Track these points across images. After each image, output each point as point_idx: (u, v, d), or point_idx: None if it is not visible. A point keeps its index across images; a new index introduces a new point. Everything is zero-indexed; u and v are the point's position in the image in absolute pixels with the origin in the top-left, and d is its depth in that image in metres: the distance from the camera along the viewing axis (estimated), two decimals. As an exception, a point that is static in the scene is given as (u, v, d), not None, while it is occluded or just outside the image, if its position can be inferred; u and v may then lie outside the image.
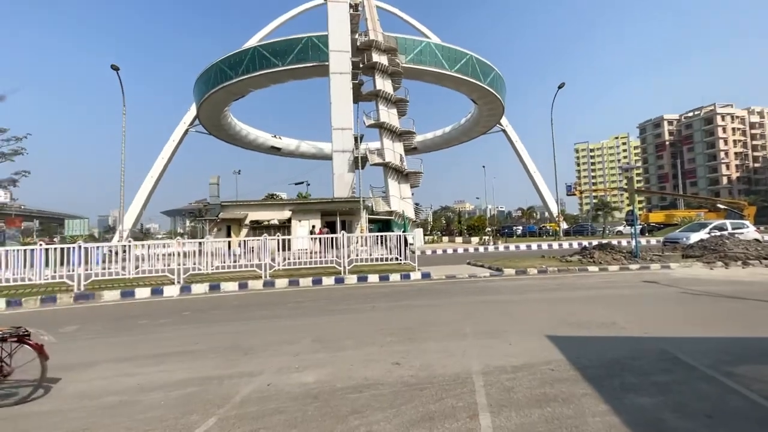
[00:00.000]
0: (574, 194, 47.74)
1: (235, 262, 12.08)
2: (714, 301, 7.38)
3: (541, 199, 63.88)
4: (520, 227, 44.51)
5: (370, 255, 14.15)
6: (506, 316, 6.69)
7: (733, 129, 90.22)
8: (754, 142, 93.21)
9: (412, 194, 38.39)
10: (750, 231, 17.11)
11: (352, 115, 34.17)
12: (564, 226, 43.37)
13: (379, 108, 36.92)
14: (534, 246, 26.52)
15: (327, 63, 34.03)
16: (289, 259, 12.57)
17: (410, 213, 33.37)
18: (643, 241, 26.61)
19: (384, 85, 36.86)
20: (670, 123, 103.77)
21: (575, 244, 26.10)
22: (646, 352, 4.62)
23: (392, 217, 31.23)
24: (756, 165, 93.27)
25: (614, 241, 25.72)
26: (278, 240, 12.42)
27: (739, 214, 33.83)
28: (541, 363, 4.39)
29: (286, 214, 25.85)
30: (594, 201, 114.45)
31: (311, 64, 38.40)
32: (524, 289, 9.43)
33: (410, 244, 30.48)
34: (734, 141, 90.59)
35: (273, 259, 12.12)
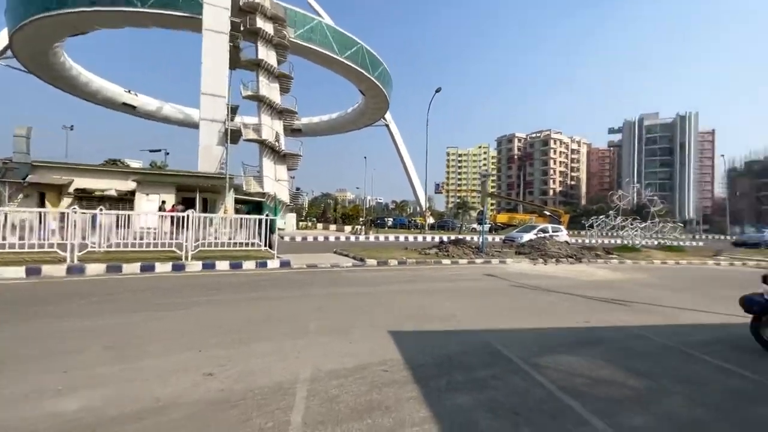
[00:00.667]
0: (441, 192, 52.64)
1: (43, 240, 9.20)
2: (535, 294, 8.48)
3: (414, 194, 68.77)
4: (391, 219, 46.68)
5: (231, 239, 12.61)
6: (357, 310, 6.42)
7: (560, 152, 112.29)
8: (572, 165, 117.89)
9: (293, 178, 36.60)
10: (563, 234, 21.05)
11: (226, 81, 30.48)
12: (431, 220, 47.40)
13: (259, 79, 33.90)
14: (401, 237, 27.96)
15: (200, 17, 29.47)
16: (126, 239, 10.20)
17: (284, 196, 31.72)
18: (490, 238, 30.65)
19: (267, 55, 33.95)
20: (520, 140, 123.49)
21: (437, 238, 28.52)
22: (474, 346, 4.80)
23: (264, 200, 29.11)
24: (572, 183, 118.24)
25: (468, 237, 28.95)
26: (115, 216, 9.93)
27: (558, 220, 42.09)
28: (377, 363, 4.13)
29: (129, 184, 21.46)
30: (457, 200, 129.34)
31: (180, 14, 32.80)
32: (381, 281, 9.46)
33: (281, 229, 28.98)
34: (560, 162, 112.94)
35: (99, 239, 9.63)
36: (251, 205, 32.11)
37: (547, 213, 45.83)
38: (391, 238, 27.54)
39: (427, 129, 33.78)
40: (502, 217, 47.20)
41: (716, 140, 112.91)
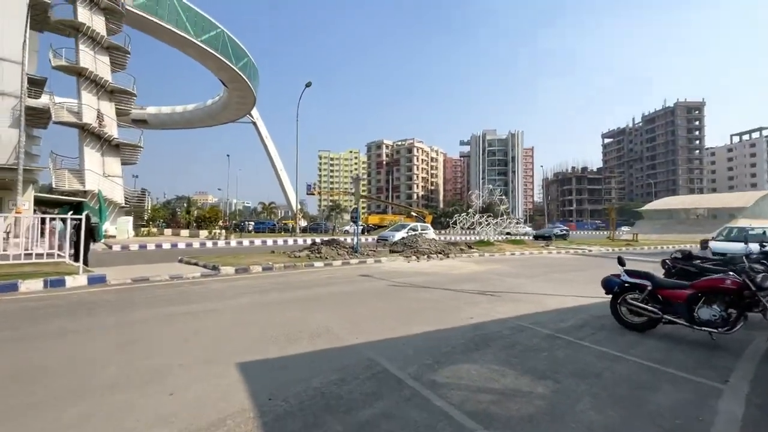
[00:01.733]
0: (313, 194, 51.00)
1: None
2: (415, 293, 7.89)
3: (285, 196, 65.39)
4: (252, 222, 42.87)
5: (27, 250, 8.95)
6: (193, 337, 4.59)
7: (422, 159, 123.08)
8: (432, 171, 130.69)
9: (136, 177, 30.10)
10: (431, 232, 22.11)
11: (24, 41, 22.89)
12: (303, 223, 45.39)
13: (80, 48, 26.77)
14: (270, 242, 25.54)
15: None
16: None
17: (117, 196, 25.63)
18: (364, 239, 30.62)
19: (92, 20, 27.08)
20: (387, 147, 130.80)
21: (309, 241, 26.95)
22: (354, 369, 3.65)
23: (86, 200, 22.83)
24: (431, 188, 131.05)
25: (341, 238, 28.25)
26: None
27: (423, 220, 45.26)
28: (207, 426, 2.56)
29: None
30: (330, 203, 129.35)
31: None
32: (237, 293, 7.61)
33: (110, 236, 23.19)
34: (422, 168, 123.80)
35: None
36: (67, 207, 24.87)
37: (414, 214, 48.88)
38: (258, 242, 24.84)
39: (297, 125, 31.88)
40: (374, 219, 48.54)
41: (535, 155, 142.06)
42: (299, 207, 38.29)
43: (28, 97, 25.48)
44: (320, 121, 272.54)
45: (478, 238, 21.84)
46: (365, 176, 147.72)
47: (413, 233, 20.79)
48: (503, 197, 23.32)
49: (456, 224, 20.76)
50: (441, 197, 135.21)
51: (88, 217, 11.46)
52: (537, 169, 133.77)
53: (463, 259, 15.39)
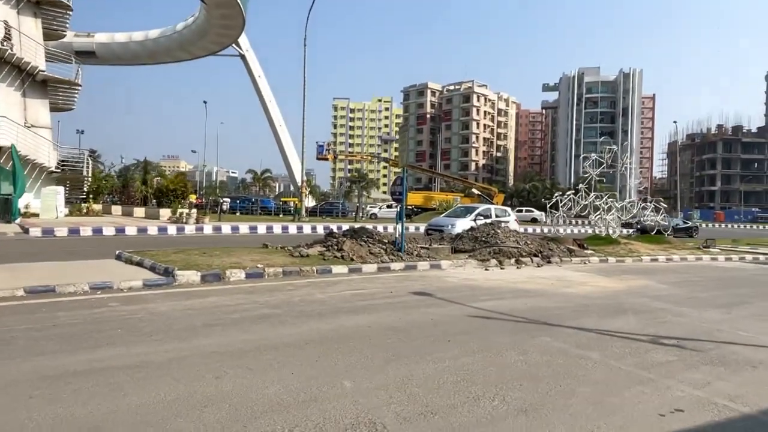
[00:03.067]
0: (326, 158, 49.60)
1: None
2: (520, 335, 5.98)
3: (285, 163, 64.48)
4: (227, 200, 41.86)
5: None
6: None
7: (485, 112, 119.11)
8: (499, 130, 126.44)
9: (81, 132, 29.55)
10: (511, 220, 19.98)
11: None
12: (310, 203, 44.15)
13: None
14: (262, 228, 24.31)
15: None
16: None
17: (43, 155, 25.11)
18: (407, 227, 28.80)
19: None
20: (434, 93, 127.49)
21: (320, 229, 25.55)
22: None
23: (-1, 160, 22.29)
24: (498, 154, 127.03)
25: (370, 226, 26.57)
26: None
27: (490, 201, 42.93)
28: None
29: None
30: (349, 173, 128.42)
31: None
32: (197, 324, 5.95)
33: (30, 214, 22.55)
34: (485, 125, 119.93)
35: None
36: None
37: (477, 192, 46.68)
38: (244, 229, 23.64)
39: (305, 49, 30.02)
40: (415, 197, 46.46)
41: (656, 107, 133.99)
42: (305, 179, 36.94)
43: None
44: (337, 62, 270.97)
45: (581, 230, 19.51)
46: (398, 135, 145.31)
47: (484, 221, 18.83)
48: (632, 166, 20.67)
49: (556, 208, 18.45)
50: (511, 168, 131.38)
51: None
52: (661, 127, 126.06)
53: (576, 267, 13.43)
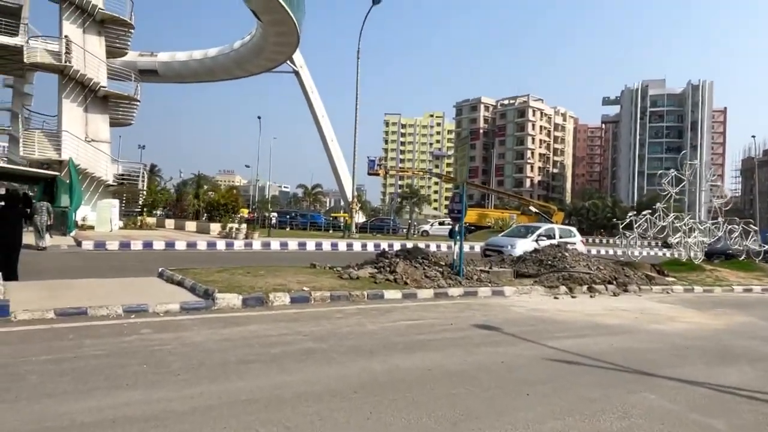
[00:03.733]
0: (377, 173, 49.19)
1: None
2: (614, 389, 4.95)
3: (336, 179, 64.78)
4: (275, 214, 42.02)
5: None
6: None
7: (541, 127, 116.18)
8: (555, 146, 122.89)
9: (143, 147, 30.45)
10: (578, 241, 18.60)
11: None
12: (360, 219, 43.80)
13: (59, -40, 27.39)
14: (311, 245, 23.89)
15: None
16: None
17: (101, 169, 25.87)
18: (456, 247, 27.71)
19: None
20: (487, 108, 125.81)
21: (371, 246, 24.89)
22: None
23: (60, 174, 23.01)
24: (554, 171, 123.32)
25: (422, 244, 25.70)
26: None
27: (548, 220, 41.10)
28: None
29: None
30: (400, 189, 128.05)
31: None
32: (232, 360, 5.24)
33: (86, 226, 23.09)
34: (540, 140, 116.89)
35: None
36: (41, 183, 25.55)
37: (534, 210, 44.90)
38: (293, 245, 23.35)
39: (358, 63, 29.88)
40: (470, 215, 45.15)
41: (727, 120, 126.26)
42: (356, 194, 36.60)
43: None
44: (388, 77, 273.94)
45: (650, 252, 17.78)
46: (451, 152, 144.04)
47: (547, 242, 17.59)
48: (717, 183, 18.86)
49: (630, 228, 16.91)
50: (568, 185, 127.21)
51: (22, 199, 10.13)
52: (732, 142, 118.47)
53: (658, 297, 12.08)
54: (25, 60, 25.89)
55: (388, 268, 11.13)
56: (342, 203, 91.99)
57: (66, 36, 26.05)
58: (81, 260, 14.87)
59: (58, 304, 7.02)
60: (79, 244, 18.21)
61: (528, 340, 6.88)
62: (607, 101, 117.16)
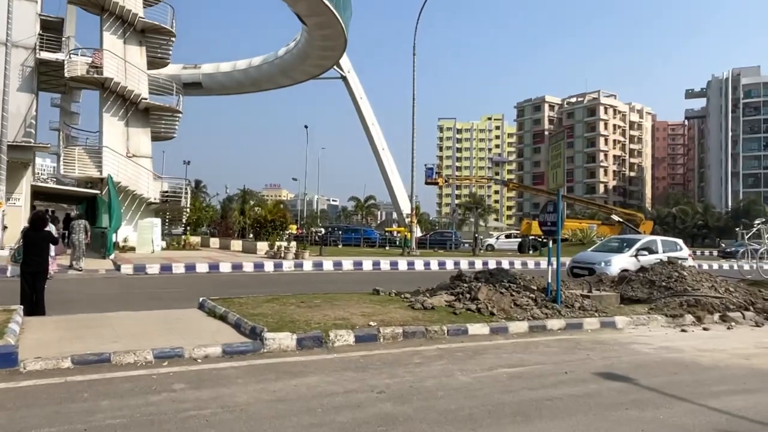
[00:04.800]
0: (436, 182, 47.89)
1: None
2: None
3: (389, 190, 63.96)
4: (322, 229, 41.68)
5: None
6: None
7: (614, 126, 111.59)
8: (631, 146, 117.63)
9: (188, 163, 30.79)
10: (687, 255, 16.81)
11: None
12: (417, 233, 42.62)
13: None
14: (368, 264, 22.97)
15: None
16: None
17: (143, 186, 25.96)
18: (530, 263, 26.01)
19: None
20: (552, 107, 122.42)
21: (434, 265, 23.67)
22: None
23: (100, 193, 23.22)
24: (631, 174, 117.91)
25: (491, 261, 24.35)
26: None
27: (635, 230, 38.46)
28: None
29: None
30: (457, 199, 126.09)
31: None
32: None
33: (127, 248, 23.08)
34: (614, 141, 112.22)
35: None
36: (84, 203, 26.09)
37: (617, 219, 42.23)
38: (348, 265, 22.41)
39: (414, 60, 28.93)
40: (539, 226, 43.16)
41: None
42: (416, 205, 35.51)
43: (40, 48, 27.42)
44: (441, 80, 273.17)
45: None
46: (513, 157, 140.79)
47: (649, 257, 16.06)
48: None
49: (759, 237, 14.86)
50: (648, 190, 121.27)
51: (46, 220, 9.58)
52: None
53: None
54: (66, 74, 26.50)
55: (467, 295, 9.87)
56: (395, 216, 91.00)
57: (105, 49, 26.53)
58: (117, 287, 14.66)
59: (78, 349, 6.21)
60: (117, 267, 18.07)
61: (680, 399, 5.40)
62: (690, 94, 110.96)
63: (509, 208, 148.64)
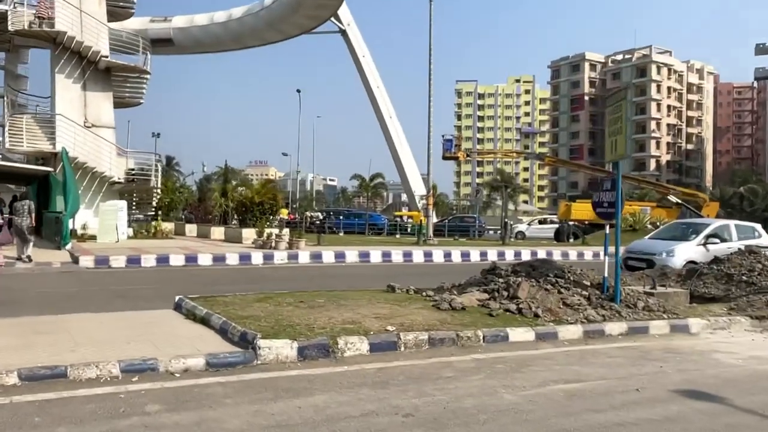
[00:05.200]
0: (455, 157, 47.63)
1: None
2: None
3: (398, 166, 63.53)
4: (320, 213, 41.79)
5: None
6: None
7: (669, 89, 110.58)
8: (689, 113, 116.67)
9: (157, 135, 30.43)
10: (766, 243, 16.56)
11: None
12: (434, 218, 42.49)
13: None
14: (376, 256, 22.74)
15: None
16: None
17: (105, 163, 25.84)
18: (571, 254, 25.71)
19: None
20: (593, 67, 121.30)
21: (456, 256, 23.44)
22: None
23: (53, 170, 23.04)
24: (688, 147, 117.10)
25: (525, 251, 24.14)
26: None
27: (696, 213, 38.06)
28: None
29: None
30: (479, 178, 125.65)
31: None
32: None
33: (87, 237, 22.97)
34: (668, 107, 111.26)
35: None
36: (33, 183, 25.90)
37: (675, 200, 41.89)
38: (352, 256, 22.42)
39: (431, 6, 28.38)
40: (584, 209, 42.50)
41: None
42: (432, 186, 35.32)
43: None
44: (459, 34, 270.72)
45: None
46: (546, 127, 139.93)
47: (720, 245, 16.05)
48: None
49: None
50: (708, 165, 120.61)
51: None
52: None
53: None
54: (9, 28, 26.16)
55: (505, 293, 9.62)
56: (404, 198, 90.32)
57: (85, 18, 26.28)
58: (75, 283, 14.51)
59: (28, 361, 5.97)
60: (75, 260, 17.92)
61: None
62: (761, 49, 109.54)
63: (540, 188, 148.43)
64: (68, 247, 19.93)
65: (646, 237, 19.94)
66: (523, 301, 9.20)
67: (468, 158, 63.42)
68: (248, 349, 6.70)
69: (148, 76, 29.89)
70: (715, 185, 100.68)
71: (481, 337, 7.87)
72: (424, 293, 10.35)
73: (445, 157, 43.83)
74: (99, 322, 8.41)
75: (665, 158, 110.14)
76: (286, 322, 7.87)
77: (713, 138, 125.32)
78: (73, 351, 6.46)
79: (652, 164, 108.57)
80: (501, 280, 10.25)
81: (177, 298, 9.62)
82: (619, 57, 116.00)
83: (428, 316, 8.59)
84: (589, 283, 10.35)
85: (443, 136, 45.84)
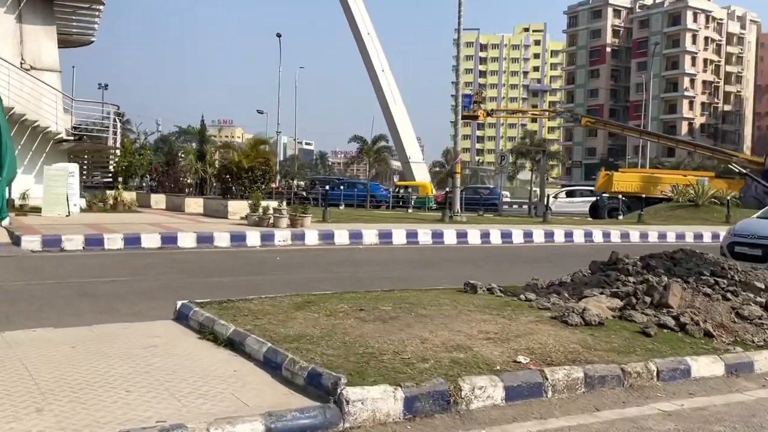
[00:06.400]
0: (475, 116, 46.51)
1: None
2: None
3: (391, 128, 61.81)
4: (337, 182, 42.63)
5: None
6: None
7: (706, 40, 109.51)
8: (728, 69, 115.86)
9: (105, 87, 28.56)
10: None
11: None
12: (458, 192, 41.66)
13: None
14: (399, 235, 21.70)
15: None
16: None
17: (48, 116, 24.97)
18: (613, 234, 24.27)
19: None
20: (618, 13, 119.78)
21: (495, 236, 22.72)
22: None
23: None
24: (725, 108, 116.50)
25: (570, 231, 22.77)
26: None
27: (763, 183, 37.24)
28: None
29: None
30: (502, 146, 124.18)
31: None
32: None
33: (27, 210, 21.44)
34: (705, 62, 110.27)
35: None
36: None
37: (737, 169, 41.03)
38: (371, 236, 21.21)
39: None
40: (628, 179, 41.16)
41: None
42: (459, 150, 34.02)
43: None
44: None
45: None
46: (560, 84, 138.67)
47: None
48: None
49: None
50: (748, 130, 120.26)
51: None
52: None
53: None
54: None
55: (647, 298, 7.81)
56: (395, 166, 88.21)
57: None
58: (19, 274, 12.79)
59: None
60: (16, 240, 16.24)
61: None
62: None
63: (551, 155, 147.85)
64: (5, 223, 18.45)
65: (754, 216, 18.73)
66: (681, 313, 7.41)
67: (489, 116, 61.86)
68: (328, 401, 4.78)
69: (101, 8, 27.88)
70: (753, 153, 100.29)
71: (654, 372, 6.07)
72: (522, 297, 8.54)
73: (463, 117, 42.49)
74: (69, 346, 6.35)
75: (700, 121, 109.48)
76: (361, 348, 5.94)
77: (753, 98, 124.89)
78: (39, 412, 4.43)
79: (684, 127, 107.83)
80: (632, 279, 8.51)
81: (179, 304, 7.67)
82: (649, 1, 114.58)
83: (559, 337, 6.74)
84: (763, 286, 8.62)
85: (465, 94, 45.06)
